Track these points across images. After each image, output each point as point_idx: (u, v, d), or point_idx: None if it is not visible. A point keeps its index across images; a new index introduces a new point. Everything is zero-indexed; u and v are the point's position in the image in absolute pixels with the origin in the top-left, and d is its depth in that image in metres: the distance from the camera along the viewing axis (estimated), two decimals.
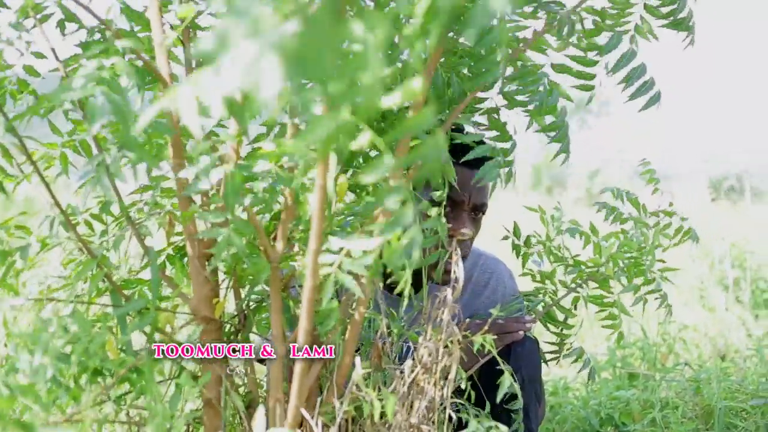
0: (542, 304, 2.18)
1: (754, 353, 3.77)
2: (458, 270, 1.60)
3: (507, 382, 1.48)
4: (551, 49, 1.68)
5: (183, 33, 1.55)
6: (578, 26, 1.64)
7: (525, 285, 2.35)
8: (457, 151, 1.71)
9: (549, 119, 1.68)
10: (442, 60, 1.62)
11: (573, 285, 2.13)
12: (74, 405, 1.46)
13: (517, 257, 2.23)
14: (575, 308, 2.16)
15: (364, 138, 0.97)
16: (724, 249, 5.74)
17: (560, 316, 2.19)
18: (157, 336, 1.52)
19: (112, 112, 1.15)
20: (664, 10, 1.69)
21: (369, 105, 0.74)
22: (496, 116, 1.70)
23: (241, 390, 1.63)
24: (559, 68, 1.68)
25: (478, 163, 1.94)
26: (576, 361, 2.18)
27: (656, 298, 2.09)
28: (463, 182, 1.96)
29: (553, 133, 1.70)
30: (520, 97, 1.65)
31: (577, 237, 2.13)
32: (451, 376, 1.51)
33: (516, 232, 2.22)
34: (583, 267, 2.12)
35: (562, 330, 2.17)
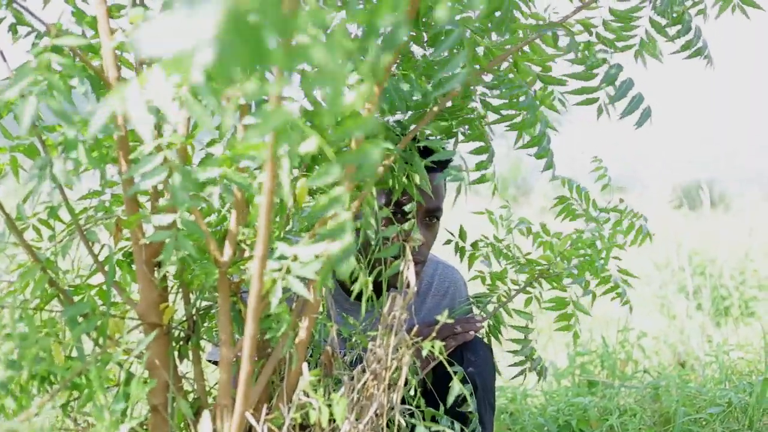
0: (493, 305, 2.17)
1: (713, 360, 3.80)
2: (410, 275, 1.59)
3: (457, 387, 1.48)
4: (548, 61, 1.67)
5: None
6: (572, 39, 1.64)
7: (476, 288, 2.35)
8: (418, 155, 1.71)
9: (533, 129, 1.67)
10: (401, 65, 1.61)
11: (524, 284, 2.13)
12: (21, 411, 1.44)
13: (461, 260, 2.22)
14: (527, 308, 2.16)
15: (312, 142, 0.96)
16: (685, 256, 5.77)
17: (520, 322, 2.19)
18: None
19: (55, 114, 1.14)
20: (672, 30, 1.70)
21: (332, 102, 0.72)
22: (478, 126, 1.70)
23: (191, 396, 1.62)
24: (548, 79, 1.68)
25: (435, 168, 1.94)
26: (527, 360, 2.17)
27: (613, 298, 2.10)
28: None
29: (535, 148, 1.69)
30: (504, 112, 1.65)
31: (530, 238, 2.13)
32: (401, 381, 1.50)
33: (462, 235, 2.22)
34: (534, 265, 2.12)
35: (525, 337, 2.17)
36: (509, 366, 2.20)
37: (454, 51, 1.49)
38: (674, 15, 1.70)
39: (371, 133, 0.80)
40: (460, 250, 2.22)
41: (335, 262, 1.00)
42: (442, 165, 1.95)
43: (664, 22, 1.71)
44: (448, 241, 2.23)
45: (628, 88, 1.61)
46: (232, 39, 0.64)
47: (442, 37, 1.50)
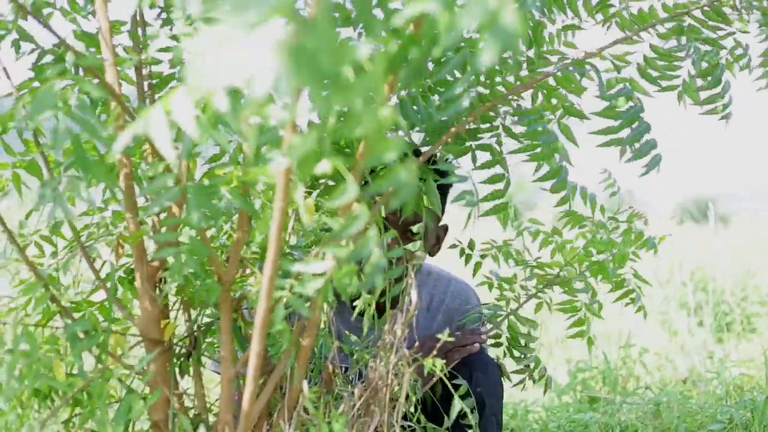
0: (502, 312, 2.14)
1: (715, 376, 3.80)
2: (413, 295, 1.59)
3: (458, 405, 1.48)
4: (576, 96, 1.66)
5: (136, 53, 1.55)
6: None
7: (484, 295, 2.33)
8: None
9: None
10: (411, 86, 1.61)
11: (534, 290, 2.10)
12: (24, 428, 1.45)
13: (466, 264, 2.20)
14: (537, 313, 2.14)
15: (327, 164, 0.97)
16: (687, 272, 5.77)
17: (522, 329, 2.15)
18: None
19: (84, 129, 1.14)
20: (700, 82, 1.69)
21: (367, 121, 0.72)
22: (495, 152, 1.68)
23: (191, 412, 1.62)
24: (572, 111, 1.66)
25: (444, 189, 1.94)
26: (533, 371, 2.15)
27: (627, 304, 2.07)
28: None
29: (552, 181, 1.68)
30: (524, 140, 1.64)
31: (539, 243, 2.10)
32: (401, 398, 1.51)
33: (471, 244, 2.20)
34: (545, 269, 2.10)
35: (526, 344, 2.14)
36: (511, 372, 2.17)
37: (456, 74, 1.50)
38: (709, 62, 1.67)
39: (402, 154, 0.78)
40: (465, 256, 2.20)
41: (347, 279, 1.01)
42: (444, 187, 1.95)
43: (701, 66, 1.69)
44: (453, 246, 2.21)
45: (644, 131, 1.60)
46: (292, 69, 0.64)
47: (443, 58, 1.50)
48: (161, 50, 1.52)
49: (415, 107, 1.57)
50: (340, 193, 0.89)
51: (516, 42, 0.69)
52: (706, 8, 1.67)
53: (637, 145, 1.61)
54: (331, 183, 1.69)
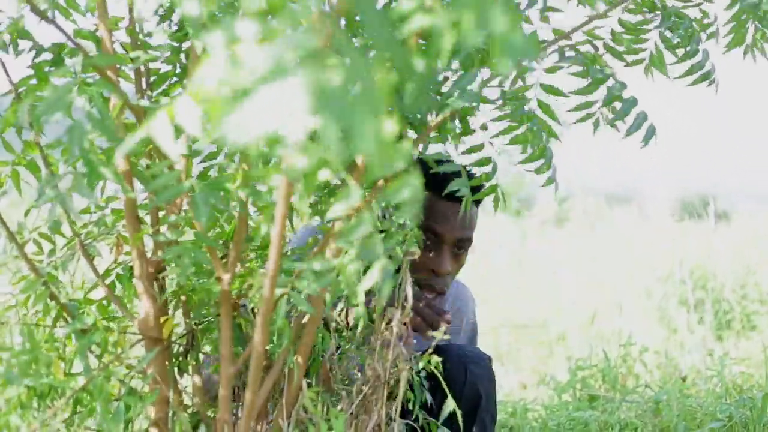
0: None
1: (715, 374, 3.80)
2: (408, 292, 1.59)
3: (451, 405, 1.48)
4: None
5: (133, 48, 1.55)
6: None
7: None
8: (438, 182, 1.71)
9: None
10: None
11: None
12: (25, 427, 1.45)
13: None
14: None
15: (328, 172, 0.97)
16: (687, 269, 5.77)
17: None
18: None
19: (96, 126, 1.15)
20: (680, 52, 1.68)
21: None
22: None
23: (190, 410, 1.62)
24: (550, 90, 1.65)
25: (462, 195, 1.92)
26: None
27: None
28: (445, 215, 1.95)
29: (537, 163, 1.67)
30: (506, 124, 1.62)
31: None
32: (399, 395, 1.51)
33: None
34: None
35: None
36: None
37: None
38: (682, 34, 1.67)
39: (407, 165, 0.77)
40: None
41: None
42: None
43: (674, 40, 1.69)
44: None
45: (631, 106, 1.60)
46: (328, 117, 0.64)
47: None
48: (157, 47, 1.52)
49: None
50: (343, 197, 0.89)
51: (533, 52, 0.69)
52: None
53: (629, 121, 1.60)
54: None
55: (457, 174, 1.62)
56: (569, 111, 1.67)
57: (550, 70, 1.64)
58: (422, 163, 1.68)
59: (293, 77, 0.66)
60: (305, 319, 1.49)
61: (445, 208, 1.94)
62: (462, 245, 2.03)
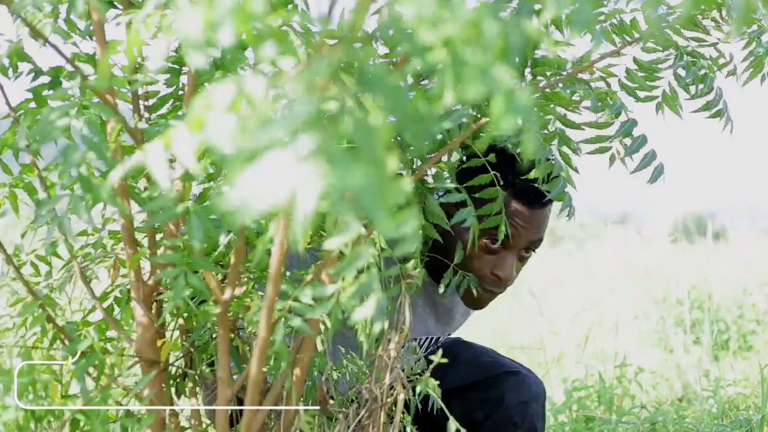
0: None
1: (711, 395, 3.79)
2: (406, 314, 1.59)
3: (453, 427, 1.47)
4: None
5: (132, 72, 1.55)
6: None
7: None
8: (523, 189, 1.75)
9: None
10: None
11: None
12: None
13: None
14: None
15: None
16: (684, 290, 5.77)
17: None
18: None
19: (91, 148, 1.15)
20: (693, 89, 1.70)
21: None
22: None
23: None
24: (567, 123, 1.66)
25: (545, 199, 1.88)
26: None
27: None
28: (524, 221, 1.86)
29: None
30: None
31: None
32: (397, 418, 1.51)
33: None
34: None
35: None
36: None
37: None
38: (697, 72, 1.68)
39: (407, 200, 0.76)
40: None
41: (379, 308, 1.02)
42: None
43: (688, 78, 1.69)
44: None
45: (641, 145, 1.62)
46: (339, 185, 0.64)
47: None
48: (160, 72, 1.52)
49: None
50: (342, 229, 0.89)
51: (533, 115, 0.69)
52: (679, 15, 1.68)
53: (637, 157, 1.63)
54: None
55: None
56: (582, 142, 1.69)
57: (567, 104, 1.65)
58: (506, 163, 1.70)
59: (303, 141, 0.66)
60: (301, 343, 1.49)
61: (524, 214, 1.86)
62: (534, 246, 1.94)
